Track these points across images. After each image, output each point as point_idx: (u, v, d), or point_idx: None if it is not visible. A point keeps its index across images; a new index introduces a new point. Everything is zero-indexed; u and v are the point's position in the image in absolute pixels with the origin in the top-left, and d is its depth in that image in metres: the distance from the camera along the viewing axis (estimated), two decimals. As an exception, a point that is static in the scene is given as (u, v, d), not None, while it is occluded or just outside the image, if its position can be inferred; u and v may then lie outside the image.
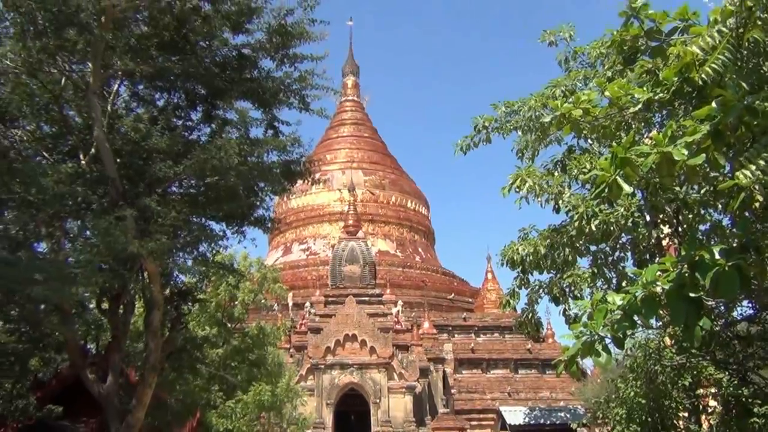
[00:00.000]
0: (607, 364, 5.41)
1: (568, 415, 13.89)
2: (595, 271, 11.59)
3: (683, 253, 5.50)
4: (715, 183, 9.85)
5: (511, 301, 13.02)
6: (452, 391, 43.49)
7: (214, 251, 12.75)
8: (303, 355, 39.39)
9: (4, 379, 15.28)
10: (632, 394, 9.20)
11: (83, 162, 10.94)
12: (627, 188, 5.79)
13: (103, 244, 8.44)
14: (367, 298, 44.27)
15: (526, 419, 13.58)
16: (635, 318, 5.70)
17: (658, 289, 5.62)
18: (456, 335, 51.78)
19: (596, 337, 5.82)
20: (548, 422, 13.51)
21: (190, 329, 15.84)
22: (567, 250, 11.19)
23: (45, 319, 11.32)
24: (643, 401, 8.93)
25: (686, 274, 5.46)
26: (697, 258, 5.41)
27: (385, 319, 42.54)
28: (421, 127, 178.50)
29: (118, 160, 10.57)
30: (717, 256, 5.17)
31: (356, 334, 39.01)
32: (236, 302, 22.89)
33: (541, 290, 13.45)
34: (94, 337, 14.53)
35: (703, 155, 5.69)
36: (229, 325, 22.93)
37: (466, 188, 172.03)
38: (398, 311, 43.71)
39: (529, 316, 13.51)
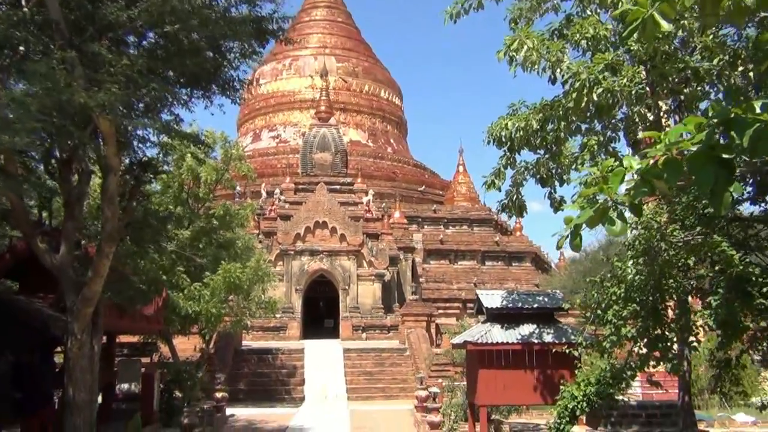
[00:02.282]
0: (621, 233, 4.66)
1: (546, 299, 13.54)
2: (585, 152, 10.84)
3: (711, 112, 4.72)
4: (735, 49, 9.04)
5: (496, 181, 12.27)
6: (420, 280, 43.90)
7: (177, 120, 11.67)
8: (272, 241, 38.99)
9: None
10: (633, 272, 8.69)
11: (25, 8, 9.58)
12: (666, 25, 4.87)
13: (43, 90, 7.31)
14: (338, 187, 43.64)
15: (504, 302, 13.22)
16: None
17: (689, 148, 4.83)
18: (426, 227, 51.86)
19: (610, 203, 5.02)
20: (526, 306, 13.18)
21: (154, 204, 14.91)
22: (562, 124, 10.37)
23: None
24: (645, 278, 8.44)
25: (717, 134, 4.70)
26: (732, 115, 4.62)
27: (356, 208, 42.11)
28: (396, 12, 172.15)
29: (64, 5, 9.24)
30: (759, 111, 4.39)
31: (327, 222, 38.57)
32: (200, 181, 21.85)
33: (526, 172, 12.73)
34: (48, 209, 13.48)
35: (757, -12, 4.77)
36: (194, 205, 22.05)
37: (439, 80, 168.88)
38: (369, 200, 43.20)
39: (514, 198, 12.85)
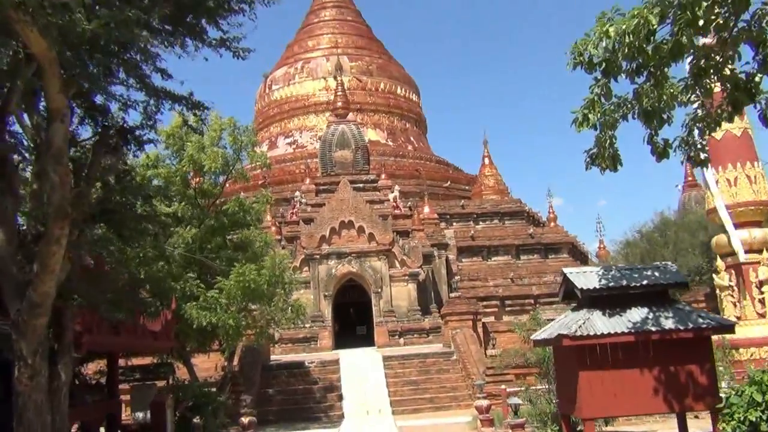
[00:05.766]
0: None
1: (656, 274, 10.44)
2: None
3: None
4: None
5: (590, 116, 9.19)
6: (455, 278, 40.78)
7: (157, 66, 8.87)
8: (295, 245, 36.08)
9: None
10: None
11: None
12: None
13: None
14: (361, 185, 40.62)
15: (604, 281, 10.19)
16: None
17: None
18: (454, 223, 48.88)
19: None
20: (633, 283, 10.14)
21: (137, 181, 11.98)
22: (703, 8, 7.29)
23: None
24: None
25: None
26: None
27: (382, 206, 39.07)
28: (406, 6, 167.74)
29: None
30: None
31: (353, 221, 35.56)
32: (204, 171, 18.71)
33: (620, 109, 9.66)
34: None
35: None
36: (201, 201, 19.06)
37: (457, 71, 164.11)
38: (396, 196, 40.13)
39: (606, 144, 9.81)
